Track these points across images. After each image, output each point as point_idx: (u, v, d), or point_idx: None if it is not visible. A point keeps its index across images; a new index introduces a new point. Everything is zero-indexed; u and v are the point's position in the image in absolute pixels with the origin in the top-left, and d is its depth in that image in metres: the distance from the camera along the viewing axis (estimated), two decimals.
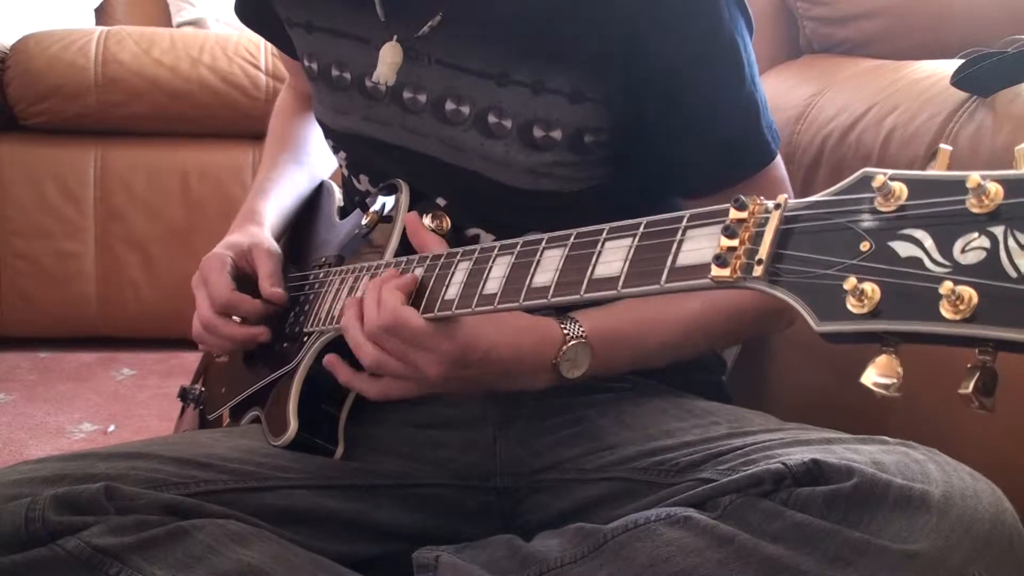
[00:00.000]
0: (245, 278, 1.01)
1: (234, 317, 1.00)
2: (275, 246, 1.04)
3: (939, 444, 0.74)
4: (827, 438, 0.77)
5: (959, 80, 0.99)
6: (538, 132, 0.88)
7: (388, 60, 0.92)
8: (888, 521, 0.65)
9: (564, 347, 0.81)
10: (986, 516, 0.66)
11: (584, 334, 0.82)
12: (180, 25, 2.83)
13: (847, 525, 0.66)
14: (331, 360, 0.87)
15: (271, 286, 0.98)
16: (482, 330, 0.78)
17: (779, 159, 0.92)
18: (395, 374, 0.80)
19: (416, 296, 0.78)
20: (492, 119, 0.89)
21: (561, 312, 0.84)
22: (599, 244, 0.65)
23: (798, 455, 0.71)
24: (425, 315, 0.76)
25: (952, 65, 1.00)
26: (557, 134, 0.88)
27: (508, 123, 0.88)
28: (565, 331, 0.82)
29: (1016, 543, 0.67)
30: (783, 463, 0.71)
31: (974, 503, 0.66)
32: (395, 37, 0.92)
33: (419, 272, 0.80)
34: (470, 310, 0.73)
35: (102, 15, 2.90)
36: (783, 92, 1.36)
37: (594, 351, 0.82)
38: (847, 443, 0.75)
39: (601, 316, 0.84)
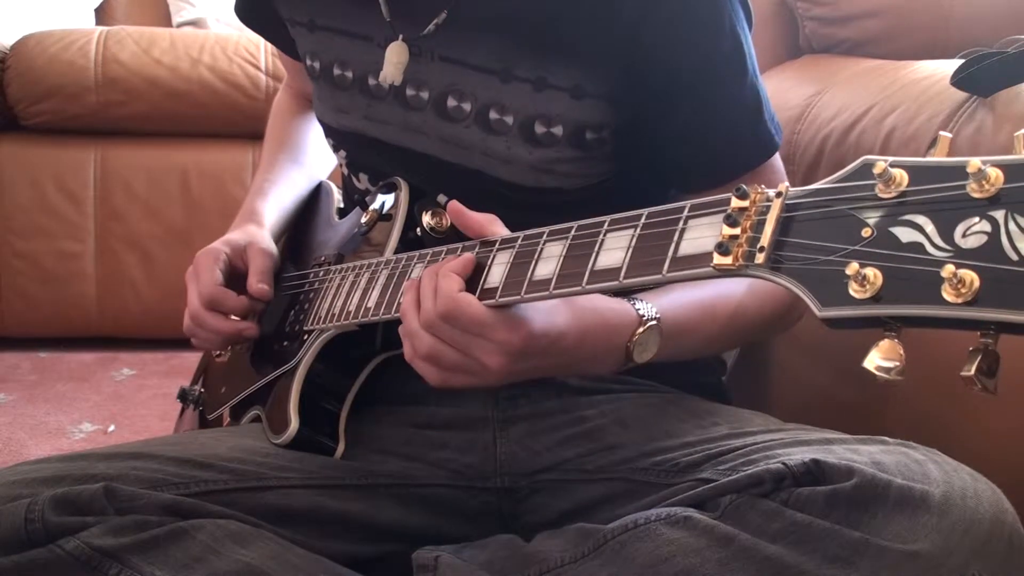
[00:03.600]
0: (239, 275, 1.01)
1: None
2: (272, 246, 1.04)
3: (939, 444, 0.74)
4: (827, 438, 0.77)
5: (959, 80, 0.99)
6: (540, 128, 0.88)
7: (394, 60, 0.92)
8: (888, 521, 0.65)
9: (639, 329, 0.77)
10: (986, 516, 0.66)
11: (658, 316, 0.79)
12: (180, 25, 2.84)
13: (847, 525, 0.66)
14: (403, 332, 0.79)
15: (258, 282, 0.98)
16: (552, 319, 0.74)
17: (777, 153, 0.92)
18: (452, 365, 0.75)
19: (471, 281, 0.74)
20: (494, 115, 0.89)
21: (627, 294, 0.80)
22: (600, 235, 0.65)
23: (798, 455, 0.71)
24: (484, 302, 0.73)
25: (952, 65, 1.00)
26: (558, 130, 0.88)
27: (510, 119, 0.89)
28: (641, 313, 0.78)
29: (1016, 543, 0.67)
30: (783, 463, 0.70)
31: (974, 503, 0.66)
32: (401, 36, 0.92)
33: (420, 269, 0.80)
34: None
35: (102, 15, 2.91)
36: (783, 92, 1.36)
37: (662, 335, 0.79)
38: (847, 443, 0.75)
39: (667, 302, 0.82)
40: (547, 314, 0.73)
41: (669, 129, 0.88)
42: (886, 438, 0.75)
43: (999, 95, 0.95)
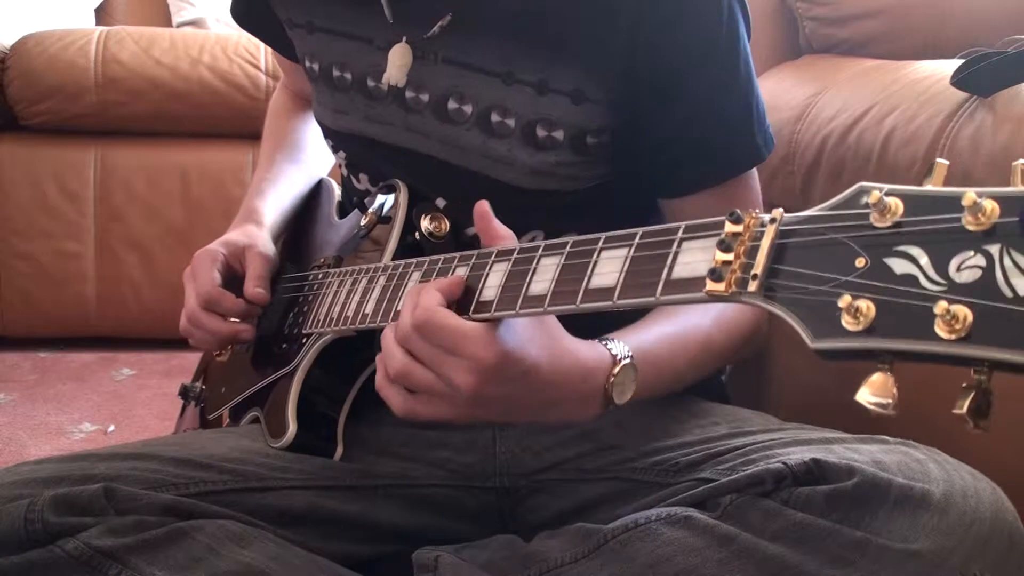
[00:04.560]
0: (236, 277, 1.01)
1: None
2: (270, 248, 1.04)
3: (939, 444, 0.74)
4: (827, 438, 0.77)
5: (959, 80, 0.99)
6: (541, 132, 0.88)
7: (398, 62, 0.92)
8: (889, 520, 0.65)
9: (616, 369, 0.74)
10: (987, 515, 0.66)
11: (630, 354, 0.76)
12: (180, 25, 2.84)
13: (848, 524, 0.66)
14: (379, 359, 0.76)
15: (255, 287, 0.98)
16: (527, 346, 0.70)
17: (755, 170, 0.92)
18: (421, 385, 0.71)
19: (461, 303, 0.72)
20: (495, 118, 0.89)
21: (597, 334, 0.78)
22: (595, 254, 0.64)
23: (798, 455, 0.71)
24: (479, 314, 0.70)
25: (952, 65, 1.00)
26: (559, 134, 0.88)
27: (512, 122, 0.88)
28: (614, 352, 0.75)
29: (1016, 542, 0.67)
30: (783, 462, 0.71)
31: (975, 502, 0.66)
32: (404, 39, 0.92)
33: (417, 276, 0.80)
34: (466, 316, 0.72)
35: (102, 15, 2.90)
36: (783, 92, 1.36)
37: (637, 374, 0.76)
38: (847, 443, 0.75)
39: (635, 337, 0.79)
40: (521, 342, 0.70)
41: (663, 128, 0.88)
42: (886, 437, 0.75)
43: (999, 95, 0.95)
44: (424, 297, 0.70)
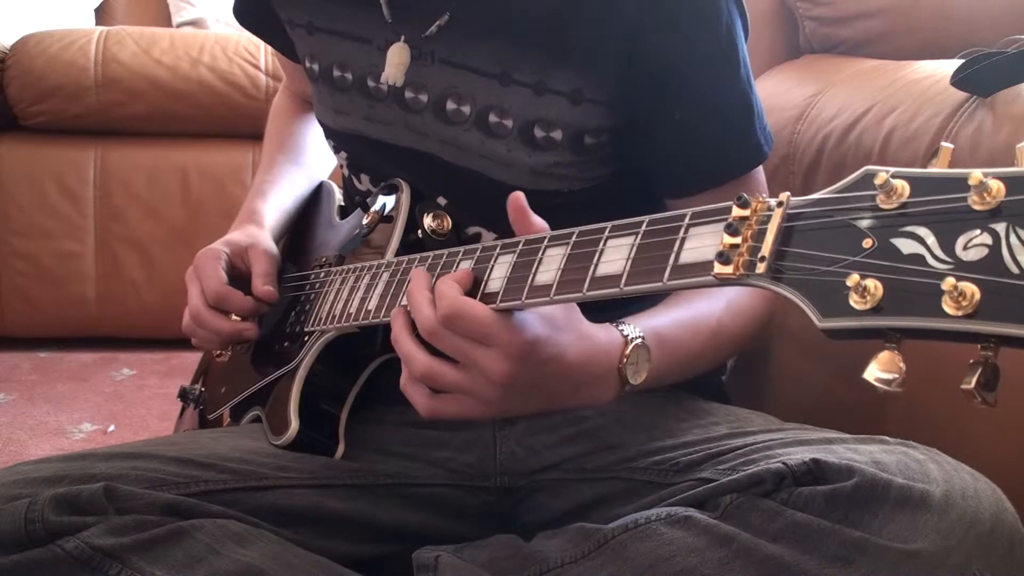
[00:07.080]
0: (239, 277, 1.01)
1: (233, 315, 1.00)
2: (273, 247, 1.04)
3: (939, 444, 0.74)
4: (827, 438, 0.77)
5: (959, 80, 0.99)
6: (539, 132, 0.88)
7: (395, 61, 0.92)
8: (889, 520, 0.65)
9: (627, 349, 0.74)
10: (986, 516, 0.66)
11: (641, 335, 0.76)
12: (180, 25, 2.84)
13: (848, 524, 0.66)
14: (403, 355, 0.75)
15: (263, 284, 0.98)
16: (554, 330, 0.70)
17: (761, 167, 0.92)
18: (449, 385, 0.71)
19: (470, 292, 0.71)
20: (493, 119, 0.89)
21: (610, 318, 0.79)
22: (601, 242, 0.65)
23: (798, 455, 0.71)
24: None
25: (952, 65, 1.01)
26: (558, 134, 0.88)
27: (509, 123, 0.89)
28: (626, 333, 0.75)
29: (1016, 543, 0.67)
30: (784, 463, 0.71)
31: (975, 503, 0.66)
32: (402, 38, 0.92)
33: (421, 270, 0.80)
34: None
35: (102, 15, 2.91)
36: (783, 92, 1.36)
37: (650, 355, 0.76)
38: (847, 443, 0.75)
39: (648, 321, 0.80)
40: (552, 328, 0.70)
41: (663, 130, 0.88)
42: (886, 437, 0.75)
43: (999, 95, 0.95)
44: (443, 288, 0.70)
